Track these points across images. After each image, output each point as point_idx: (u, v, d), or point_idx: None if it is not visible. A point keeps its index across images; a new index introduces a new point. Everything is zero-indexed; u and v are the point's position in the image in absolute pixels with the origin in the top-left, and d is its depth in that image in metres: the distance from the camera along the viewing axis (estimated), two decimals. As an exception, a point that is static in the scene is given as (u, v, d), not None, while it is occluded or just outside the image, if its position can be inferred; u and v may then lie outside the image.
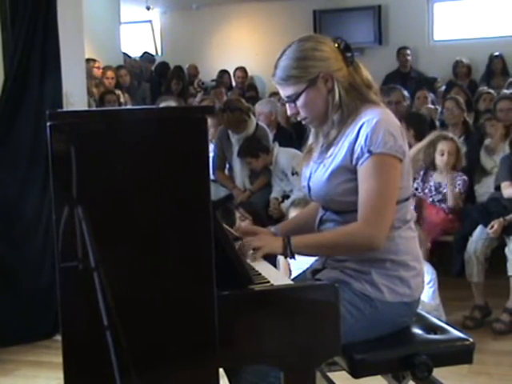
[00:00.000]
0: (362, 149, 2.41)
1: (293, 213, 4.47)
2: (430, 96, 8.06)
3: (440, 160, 5.35)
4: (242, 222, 4.80)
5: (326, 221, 2.59)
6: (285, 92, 2.55)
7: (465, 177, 5.40)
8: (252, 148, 6.02)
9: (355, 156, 2.43)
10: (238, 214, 4.86)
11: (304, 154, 2.73)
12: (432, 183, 5.40)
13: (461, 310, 4.94)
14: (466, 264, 4.90)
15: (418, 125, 6.03)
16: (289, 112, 2.62)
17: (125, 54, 11.11)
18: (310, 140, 2.69)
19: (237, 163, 6.24)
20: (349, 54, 2.53)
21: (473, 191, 5.83)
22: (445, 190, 5.36)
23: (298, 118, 2.61)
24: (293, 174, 5.81)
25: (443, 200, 5.35)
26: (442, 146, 5.34)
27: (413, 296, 2.54)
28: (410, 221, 2.58)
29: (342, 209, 2.50)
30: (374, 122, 2.42)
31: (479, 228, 4.97)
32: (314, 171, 2.59)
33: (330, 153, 2.53)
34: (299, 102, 2.52)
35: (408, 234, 2.55)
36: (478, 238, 4.92)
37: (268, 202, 5.95)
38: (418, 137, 5.90)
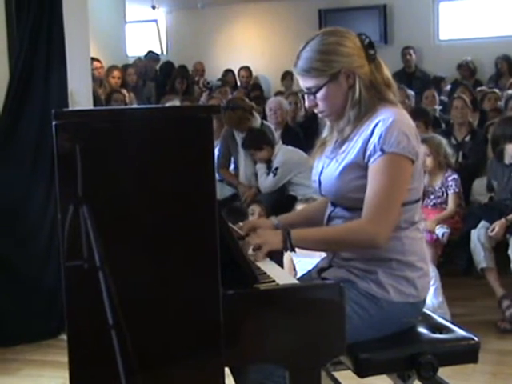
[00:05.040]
0: (374, 147, 2.41)
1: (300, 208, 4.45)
2: (437, 96, 8.03)
3: None
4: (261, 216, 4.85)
5: (335, 217, 2.58)
6: (305, 83, 2.55)
7: (455, 175, 5.33)
8: (256, 140, 6.03)
9: (367, 153, 2.43)
10: (251, 210, 4.91)
11: (317, 146, 2.71)
12: (427, 188, 5.36)
13: (465, 309, 4.93)
14: (473, 253, 4.87)
15: (424, 117, 6.04)
16: (307, 104, 2.61)
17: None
18: (325, 133, 2.69)
19: (242, 161, 6.26)
20: (372, 52, 2.52)
21: (469, 191, 5.81)
22: (440, 194, 5.33)
23: (315, 111, 2.61)
24: (274, 174, 5.84)
25: (445, 202, 5.32)
26: None
27: (419, 297, 2.53)
28: (418, 222, 2.57)
29: (353, 205, 2.49)
30: (389, 121, 2.41)
31: (482, 221, 4.96)
32: (326, 166, 2.59)
33: (343, 148, 2.53)
34: (319, 95, 2.52)
35: (415, 234, 2.54)
36: (482, 226, 4.91)
37: (275, 200, 5.91)
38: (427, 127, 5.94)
